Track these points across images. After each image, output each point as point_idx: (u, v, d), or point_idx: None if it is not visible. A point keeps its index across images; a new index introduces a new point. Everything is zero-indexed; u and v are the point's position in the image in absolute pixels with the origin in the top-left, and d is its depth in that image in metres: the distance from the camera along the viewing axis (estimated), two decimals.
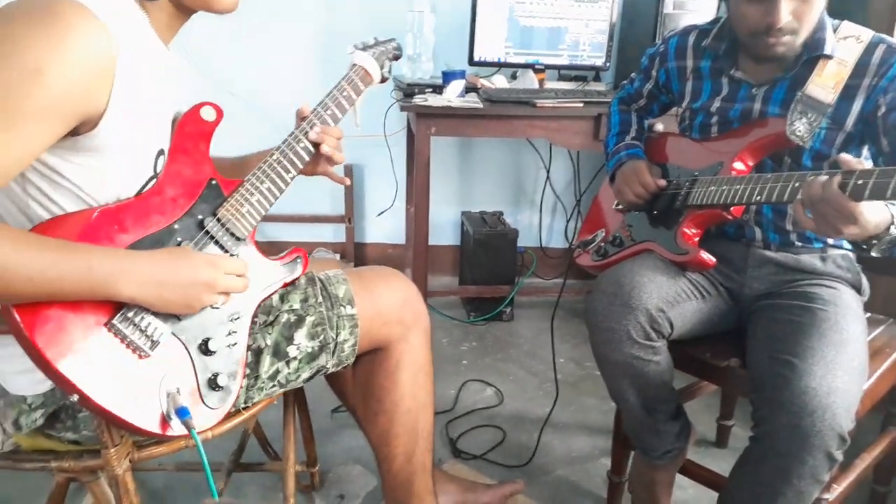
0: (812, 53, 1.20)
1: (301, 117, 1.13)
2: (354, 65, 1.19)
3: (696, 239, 1.31)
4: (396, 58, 1.29)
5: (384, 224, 2.85)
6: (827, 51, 1.19)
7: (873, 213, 0.96)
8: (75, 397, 0.81)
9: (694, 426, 1.40)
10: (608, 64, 2.41)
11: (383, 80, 1.25)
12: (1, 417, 0.99)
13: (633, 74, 1.59)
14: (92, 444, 1.00)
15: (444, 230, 2.85)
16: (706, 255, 1.25)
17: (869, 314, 1.35)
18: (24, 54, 0.73)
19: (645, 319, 1.19)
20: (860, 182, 0.93)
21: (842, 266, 1.28)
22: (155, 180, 0.93)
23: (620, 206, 1.48)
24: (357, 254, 2.88)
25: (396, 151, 2.64)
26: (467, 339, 2.39)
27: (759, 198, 1.14)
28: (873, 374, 1.20)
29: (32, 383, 0.94)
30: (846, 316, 1.15)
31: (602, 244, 1.49)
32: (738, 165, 1.28)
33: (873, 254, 1.04)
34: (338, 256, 2.81)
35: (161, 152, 0.94)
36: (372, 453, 1.25)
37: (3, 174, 0.76)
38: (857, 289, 1.28)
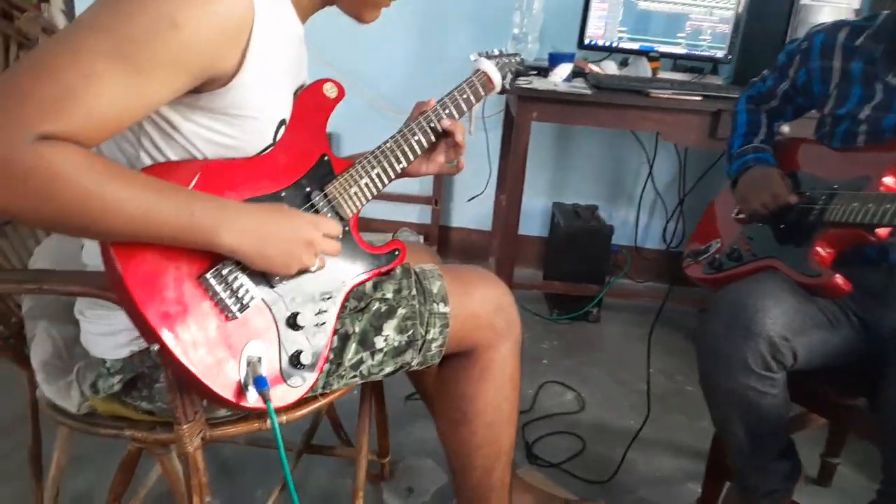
0: None
1: (420, 111, 1.10)
2: (478, 70, 1.16)
3: (831, 260, 1.16)
4: (518, 73, 1.26)
5: (471, 209, 2.77)
6: None
7: None
8: (156, 347, 0.78)
9: (803, 468, 1.26)
10: (730, 57, 2.23)
11: (503, 91, 1.22)
12: (80, 378, 0.98)
13: (765, 72, 1.43)
14: (166, 417, 0.98)
15: (532, 220, 2.74)
16: (842, 280, 1.10)
17: None
18: (162, 4, 0.71)
19: (766, 348, 1.06)
20: None
21: None
22: (271, 148, 0.91)
23: (742, 216, 1.34)
24: (441, 237, 2.82)
25: (492, 135, 2.55)
26: (548, 338, 2.28)
27: None
28: None
29: (113, 347, 0.92)
30: None
31: (716, 256, 1.35)
32: (889, 181, 1.12)
33: None
34: (421, 238, 2.75)
35: (283, 122, 0.92)
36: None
37: (121, 120, 0.73)
38: None
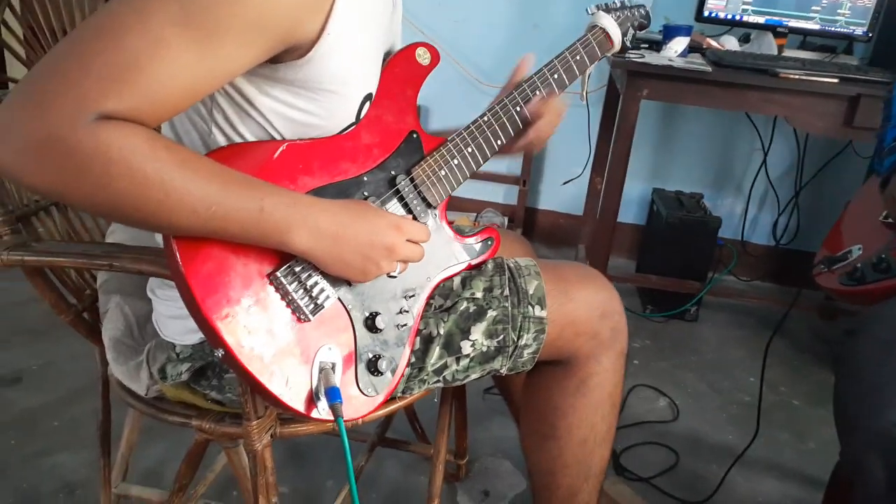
0: None
1: (519, 74, 0.97)
2: (595, 26, 1.01)
3: None
4: (642, 27, 1.10)
5: (561, 191, 2.61)
6: None
7: None
8: (220, 352, 0.70)
9: None
10: (870, 35, 1.96)
11: (623, 49, 1.06)
12: (151, 360, 0.92)
13: None
14: (235, 408, 0.91)
15: (627, 207, 2.56)
16: None
17: None
18: None
19: None
20: None
21: None
22: (354, 126, 0.80)
23: (891, 219, 1.14)
24: (527, 220, 2.68)
25: (593, 112, 2.38)
26: (640, 336, 2.12)
27: None
28: None
29: (183, 332, 0.86)
30: None
31: (858, 265, 1.17)
32: None
33: None
34: (505, 220, 2.62)
35: (369, 97, 0.81)
36: None
37: (191, 94, 0.65)
38: None
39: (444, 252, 0.89)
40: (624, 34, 1.05)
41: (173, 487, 1.03)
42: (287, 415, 0.86)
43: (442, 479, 1.14)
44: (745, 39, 2.09)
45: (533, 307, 0.90)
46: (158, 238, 0.88)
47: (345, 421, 0.74)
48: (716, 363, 2.01)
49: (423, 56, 0.87)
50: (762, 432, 1.66)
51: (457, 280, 0.91)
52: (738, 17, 1.99)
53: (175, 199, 0.62)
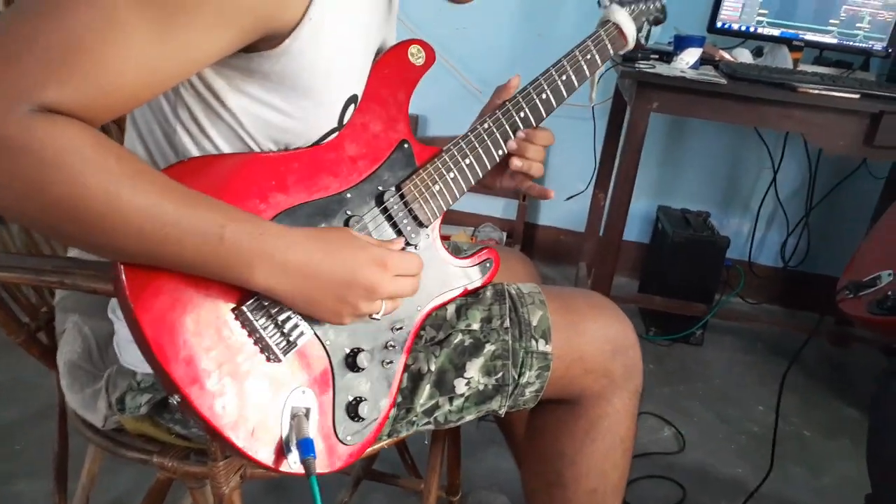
0: None
1: (514, 85, 0.88)
2: (607, 22, 0.91)
3: None
4: (658, 22, 1.01)
5: (563, 207, 2.52)
6: None
7: None
8: (176, 399, 0.60)
9: None
10: (890, 49, 1.88)
11: (637, 46, 0.97)
12: (110, 387, 0.83)
13: None
14: (202, 444, 0.81)
15: (630, 224, 2.43)
16: None
17: None
18: None
19: None
20: None
21: None
22: (336, 134, 0.71)
23: None
24: (526, 235, 2.58)
25: (598, 125, 2.29)
26: (644, 360, 2.01)
27: None
28: None
29: (141, 359, 0.75)
30: None
31: (889, 293, 1.08)
32: None
33: None
34: (504, 235, 2.53)
35: (353, 99, 0.72)
36: (520, 481, 0.98)
37: (149, 83, 0.56)
38: None
39: (437, 277, 0.79)
40: (639, 30, 0.95)
41: None
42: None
43: None
44: (758, 53, 2.01)
45: (537, 341, 0.80)
46: None
47: (319, 475, 0.63)
48: (723, 390, 1.91)
49: (416, 55, 0.78)
50: (774, 465, 1.57)
51: (451, 308, 0.81)
52: (752, 29, 1.91)
53: (120, 215, 0.53)
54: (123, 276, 0.57)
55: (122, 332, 0.79)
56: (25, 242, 0.95)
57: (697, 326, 2.07)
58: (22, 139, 0.49)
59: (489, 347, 0.79)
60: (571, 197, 2.45)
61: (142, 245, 0.55)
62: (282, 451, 0.64)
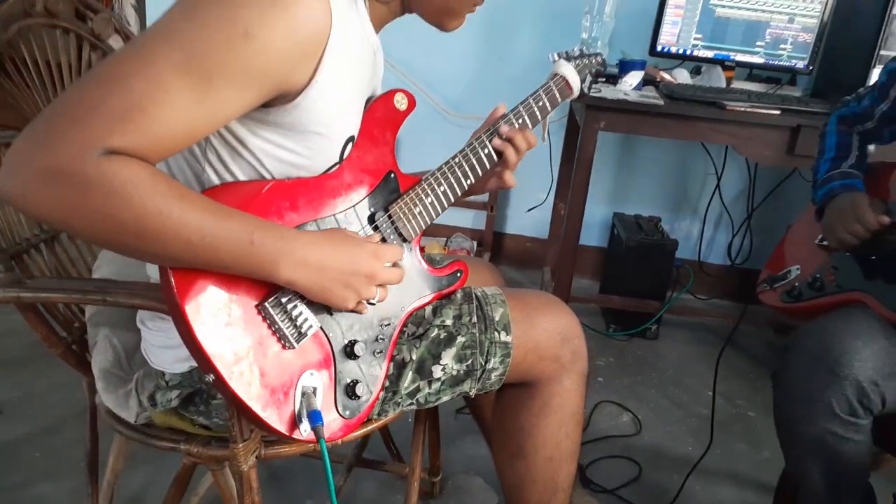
0: None
1: (492, 121, 1.04)
2: (556, 74, 1.08)
3: None
4: (599, 74, 1.18)
5: (527, 216, 2.71)
6: None
7: None
8: (211, 377, 0.75)
9: None
10: (811, 67, 2.11)
11: (581, 95, 1.14)
12: (139, 389, 0.97)
13: (860, 90, 1.33)
14: (221, 432, 0.97)
15: (590, 230, 2.67)
16: None
17: None
18: (236, 14, 0.68)
19: (853, 392, 0.99)
20: None
21: None
22: (337, 166, 0.87)
23: (826, 243, 1.25)
24: (495, 244, 2.76)
25: (554, 141, 2.49)
26: (604, 354, 2.21)
27: None
28: None
29: (173, 361, 0.91)
30: None
31: (796, 284, 1.27)
32: None
33: None
34: (475, 244, 2.70)
35: (351, 139, 0.88)
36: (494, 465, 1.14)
37: (187, 135, 0.71)
38: None
39: (417, 283, 0.96)
40: (583, 81, 1.12)
41: None
42: (271, 437, 0.92)
43: (417, 497, 1.20)
44: (696, 72, 2.22)
45: (499, 333, 0.97)
46: (146, 271, 0.94)
47: (327, 440, 0.80)
48: (676, 378, 2.11)
49: (400, 101, 0.94)
50: (721, 442, 1.77)
51: (428, 309, 0.98)
52: (689, 52, 2.12)
53: (173, 231, 0.68)
54: (173, 279, 0.73)
55: (151, 339, 0.93)
56: (55, 266, 1.10)
57: (652, 322, 2.27)
58: (96, 175, 0.64)
59: (460, 339, 0.96)
60: (533, 208, 2.64)
61: (190, 252, 0.70)
62: (294, 422, 0.80)
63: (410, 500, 1.19)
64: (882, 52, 1.92)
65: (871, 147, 1.49)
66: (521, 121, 1.03)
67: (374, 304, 0.87)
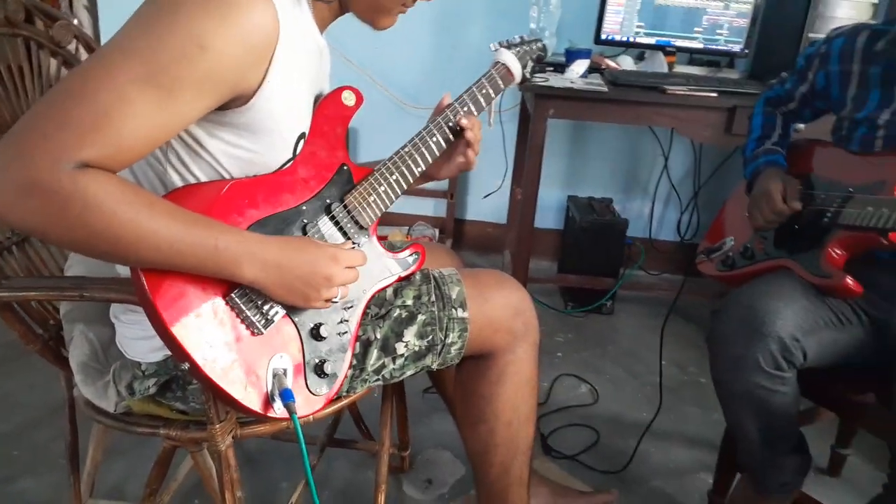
0: None
1: (439, 111, 1.10)
2: (497, 62, 1.15)
3: (843, 262, 1.18)
4: (539, 59, 1.24)
5: (486, 202, 2.79)
6: None
7: None
8: (186, 366, 0.81)
9: (812, 459, 1.29)
10: (747, 51, 2.23)
11: (524, 80, 1.20)
12: (116, 379, 1.02)
13: (784, 74, 1.44)
14: (198, 416, 1.02)
15: (547, 213, 2.77)
16: (852, 282, 1.13)
17: None
18: (191, 28, 0.73)
19: (777, 348, 1.09)
20: None
21: None
22: (291, 162, 0.93)
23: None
24: (456, 230, 2.84)
25: (508, 129, 2.57)
26: (563, 331, 2.31)
27: None
28: None
29: (148, 351, 0.96)
30: None
31: (730, 254, 1.38)
32: None
33: None
34: (436, 232, 2.78)
35: (302, 135, 0.93)
36: (461, 440, 1.21)
37: (150, 141, 0.76)
38: None
39: (378, 267, 1.02)
40: (524, 67, 1.19)
41: (144, 492, 1.13)
42: (247, 417, 0.98)
43: (388, 468, 1.28)
44: (640, 58, 2.32)
45: (456, 310, 1.05)
46: (119, 269, 0.99)
47: (298, 417, 0.86)
48: (631, 350, 2.22)
49: (348, 98, 1.00)
50: (673, 407, 1.88)
51: (389, 291, 1.05)
52: (632, 39, 2.22)
53: (143, 237, 0.74)
54: (144, 279, 0.79)
55: (125, 332, 0.98)
56: (27, 267, 1.14)
57: (606, 298, 2.38)
58: (70, 187, 0.69)
59: (421, 317, 1.03)
60: (489, 194, 2.72)
61: (160, 256, 0.76)
62: (268, 401, 0.86)
63: (381, 472, 1.27)
64: (810, 35, 2.04)
65: (801, 126, 1.61)
66: (465, 108, 1.09)
67: (336, 303, 0.93)
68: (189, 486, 1.45)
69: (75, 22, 1.35)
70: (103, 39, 1.20)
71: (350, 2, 0.96)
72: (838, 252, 1.18)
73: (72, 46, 1.24)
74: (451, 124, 1.08)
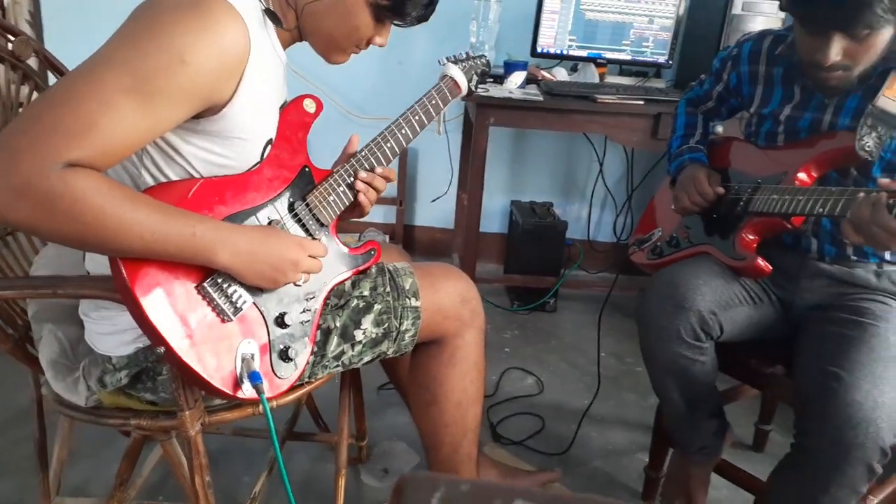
0: (888, 66, 1.18)
1: (346, 155, 1.17)
2: (445, 76, 1.25)
3: (755, 246, 1.32)
4: (484, 74, 1.34)
5: (434, 208, 2.90)
6: None
7: None
8: (162, 349, 0.88)
9: (731, 428, 1.42)
10: (671, 62, 2.40)
11: (470, 93, 1.31)
12: (86, 375, 1.07)
13: (702, 76, 1.58)
14: (168, 406, 1.07)
15: (492, 218, 2.89)
16: (763, 263, 1.26)
17: None
18: (172, 42, 0.81)
19: (696, 320, 1.22)
20: None
21: None
22: (258, 164, 1.00)
23: (675, 209, 1.49)
24: (406, 236, 2.94)
25: (453, 137, 2.68)
26: (510, 328, 2.43)
27: (820, 210, 1.13)
28: None
29: (118, 345, 1.02)
30: None
31: (658, 244, 1.51)
32: (802, 176, 1.27)
33: None
34: (387, 238, 2.87)
35: (270, 141, 1.01)
36: (415, 432, 1.30)
37: (132, 145, 0.83)
38: None
39: (337, 262, 1.11)
40: (469, 80, 1.30)
41: (114, 483, 1.18)
42: (219, 399, 1.05)
43: (346, 454, 1.35)
44: (573, 69, 2.47)
45: (409, 299, 1.14)
46: (88, 267, 1.04)
47: (267, 398, 0.94)
48: (573, 344, 2.36)
49: (309, 105, 1.09)
50: (612, 395, 2.01)
51: (348, 283, 1.13)
52: (565, 52, 2.37)
53: (127, 228, 0.81)
54: (123, 268, 0.86)
55: (95, 328, 1.04)
56: None
57: (549, 296, 2.51)
58: (60, 186, 0.76)
59: (377, 307, 1.12)
60: (437, 199, 2.83)
61: (143, 245, 0.83)
62: (237, 383, 0.94)
63: (340, 460, 1.34)
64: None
65: (720, 129, 1.77)
66: (416, 117, 1.18)
67: (300, 286, 1.02)
68: (154, 482, 1.49)
69: None
70: (50, 52, 1.26)
71: (308, 34, 1.05)
72: (750, 236, 1.31)
73: (32, 62, 1.29)
74: (403, 131, 1.16)
